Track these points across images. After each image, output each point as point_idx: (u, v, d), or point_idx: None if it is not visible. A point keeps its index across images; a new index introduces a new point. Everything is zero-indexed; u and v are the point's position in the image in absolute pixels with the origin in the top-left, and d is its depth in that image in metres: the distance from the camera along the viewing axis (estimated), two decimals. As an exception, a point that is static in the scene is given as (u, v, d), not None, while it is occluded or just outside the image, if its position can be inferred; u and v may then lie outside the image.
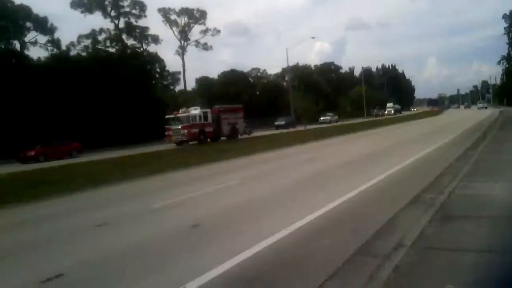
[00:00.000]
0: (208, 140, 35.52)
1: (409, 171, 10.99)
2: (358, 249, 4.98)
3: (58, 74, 47.45)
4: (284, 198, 8.82)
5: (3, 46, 48.22)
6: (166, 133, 35.30)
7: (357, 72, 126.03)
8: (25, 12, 50.75)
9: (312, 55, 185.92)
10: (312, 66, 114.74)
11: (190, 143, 33.93)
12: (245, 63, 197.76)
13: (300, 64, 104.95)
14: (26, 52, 52.60)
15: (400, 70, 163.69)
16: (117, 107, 48.34)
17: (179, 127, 33.81)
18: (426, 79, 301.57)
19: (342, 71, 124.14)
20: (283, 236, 5.78)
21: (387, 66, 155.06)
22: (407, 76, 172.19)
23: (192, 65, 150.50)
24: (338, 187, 9.17)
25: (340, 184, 9.64)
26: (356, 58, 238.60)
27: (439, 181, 8.86)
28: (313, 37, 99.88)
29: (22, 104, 40.84)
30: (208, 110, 36.90)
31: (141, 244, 6.20)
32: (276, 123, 60.37)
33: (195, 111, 35.59)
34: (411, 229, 5.48)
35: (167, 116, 36.07)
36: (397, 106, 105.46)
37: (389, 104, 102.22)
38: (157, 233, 6.79)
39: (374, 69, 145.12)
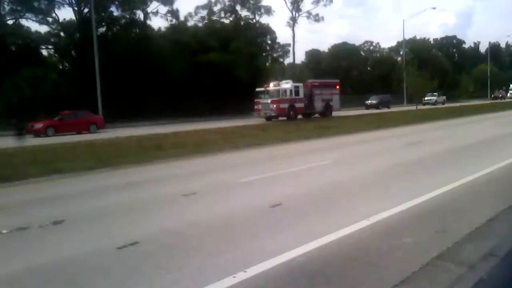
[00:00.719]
0: (300, 116, 34.24)
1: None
2: (441, 252, 4.49)
3: (175, 44, 50.21)
4: (374, 185, 8.35)
5: (127, 16, 52.07)
6: (255, 107, 34.42)
7: (483, 48, 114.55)
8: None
9: (433, 27, 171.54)
10: (431, 40, 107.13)
11: (280, 118, 32.96)
12: (358, 36, 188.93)
13: (418, 37, 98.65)
14: (148, 22, 56.46)
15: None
16: (225, 79, 49.66)
17: (268, 101, 32.76)
18: None
19: (466, 46, 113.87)
20: (362, 227, 5.44)
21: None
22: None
23: (302, 38, 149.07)
24: (436, 177, 8.42)
25: (440, 174, 8.83)
26: (483, 32, 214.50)
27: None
28: (434, 7, 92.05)
29: (140, 73, 43.81)
30: (300, 85, 35.34)
31: (221, 218, 6.29)
32: (367, 102, 55.62)
33: (286, 85, 34.17)
34: (510, 235, 4.81)
35: (257, 89, 34.94)
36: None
37: None
38: (239, 208, 6.86)
39: (503, 45, 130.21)
